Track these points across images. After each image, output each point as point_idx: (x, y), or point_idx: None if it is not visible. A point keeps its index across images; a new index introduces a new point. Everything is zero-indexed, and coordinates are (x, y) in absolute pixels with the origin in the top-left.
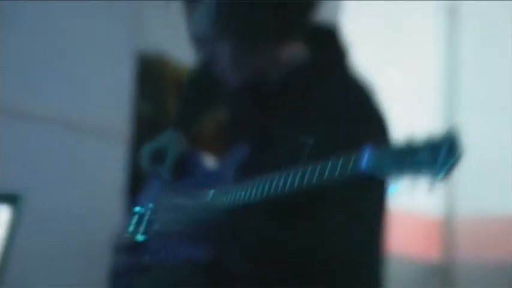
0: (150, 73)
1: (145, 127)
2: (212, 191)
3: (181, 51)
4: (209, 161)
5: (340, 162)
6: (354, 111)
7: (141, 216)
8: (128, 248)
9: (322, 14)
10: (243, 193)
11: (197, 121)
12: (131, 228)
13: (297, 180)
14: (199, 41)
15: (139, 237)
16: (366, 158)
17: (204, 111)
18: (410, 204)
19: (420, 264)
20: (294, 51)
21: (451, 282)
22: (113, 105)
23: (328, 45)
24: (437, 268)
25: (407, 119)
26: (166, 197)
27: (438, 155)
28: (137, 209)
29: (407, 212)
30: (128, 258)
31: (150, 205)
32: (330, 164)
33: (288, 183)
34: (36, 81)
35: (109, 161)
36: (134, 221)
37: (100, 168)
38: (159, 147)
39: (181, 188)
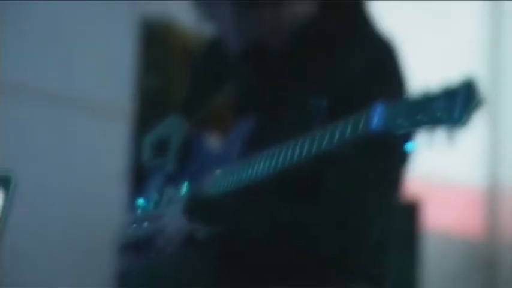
0: (155, 42)
1: (150, 103)
2: (217, 173)
3: (190, 16)
4: (215, 142)
5: (350, 122)
6: (369, 72)
7: (143, 209)
8: (132, 246)
9: None
10: (248, 171)
11: (205, 106)
12: (134, 224)
13: (305, 148)
14: (201, 2)
15: (143, 233)
16: (376, 115)
17: (213, 95)
18: (451, 176)
19: (461, 240)
20: (299, 10)
21: (494, 258)
22: (114, 79)
23: (338, 1)
24: (479, 244)
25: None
26: (171, 188)
27: (455, 102)
28: (140, 201)
29: (447, 184)
30: (133, 257)
31: (154, 197)
32: (339, 126)
33: (296, 153)
34: (27, 52)
35: (109, 143)
36: (138, 215)
37: (99, 150)
38: (161, 137)
39: (185, 176)
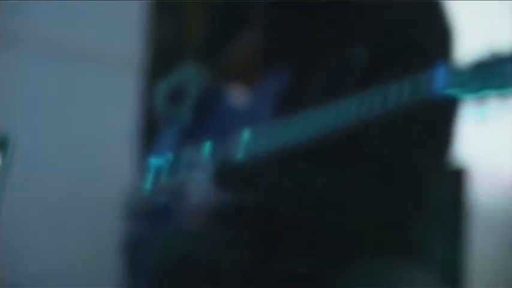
0: None
1: (162, 55)
2: (246, 132)
3: None
4: (240, 96)
5: (407, 83)
6: (415, 17)
7: (158, 170)
8: (144, 212)
9: None
10: (283, 133)
11: (226, 51)
12: (147, 185)
13: (352, 110)
14: None
15: (157, 197)
16: (440, 77)
17: (235, 38)
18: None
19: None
20: None
21: None
22: (123, 27)
23: None
24: None
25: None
26: (190, 149)
27: None
28: (153, 160)
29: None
30: (145, 224)
31: (170, 158)
32: (394, 87)
33: (342, 115)
34: (30, 0)
35: (118, 98)
36: (150, 175)
37: (107, 106)
38: (177, 84)
39: (206, 134)
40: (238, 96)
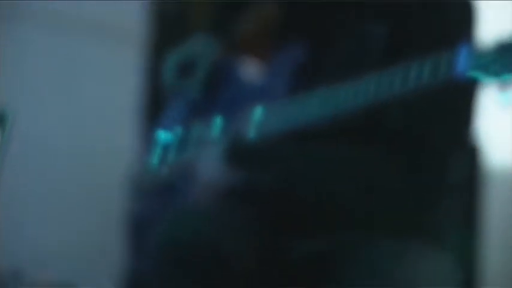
0: None
1: (166, 26)
2: (258, 109)
3: None
4: (254, 70)
5: (429, 63)
6: None
7: (166, 145)
8: (151, 189)
9: None
10: (299, 110)
11: (237, 22)
12: (154, 161)
13: (371, 89)
14: None
15: (168, 177)
16: (462, 58)
17: (247, 9)
18: None
19: None
20: None
21: None
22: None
23: None
24: None
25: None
26: (199, 124)
27: None
28: (161, 134)
29: None
30: (153, 202)
31: (177, 130)
32: (415, 67)
33: (360, 93)
34: None
35: (121, 71)
36: (158, 150)
37: (109, 80)
38: (187, 56)
39: (216, 109)
40: (251, 70)
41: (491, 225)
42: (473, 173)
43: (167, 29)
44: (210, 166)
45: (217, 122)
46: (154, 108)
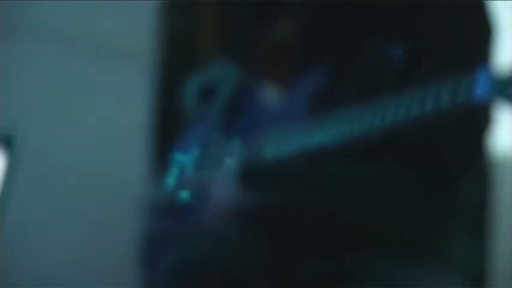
0: None
1: (175, 44)
2: (275, 131)
3: None
4: (274, 95)
5: (449, 87)
6: (457, 16)
7: (183, 165)
8: (166, 208)
9: None
10: (316, 133)
11: (253, 44)
12: (170, 181)
13: (389, 113)
14: None
15: (182, 193)
16: (481, 82)
17: (261, 30)
18: None
19: None
20: None
21: None
22: (135, 19)
23: None
24: None
25: None
26: (217, 146)
27: None
28: (178, 156)
29: None
30: (168, 221)
31: (196, 154)
32: (434, 91)
33: (378, 117)
34: None
35: (130, 92)
36: (174, 172)
37: (119, 100)
38: (209, 81)
39: (235, 133)
40: (271, 95)
41: (502, 248)
42: (485, 194)
43: (176, 45)
44: (224, 186)
45: (235, 144)
46: (164, 129)
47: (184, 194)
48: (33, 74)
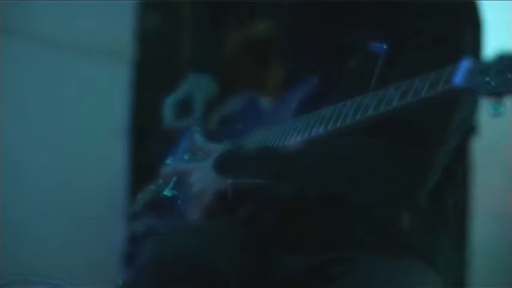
0: None
1: (151, 44)
2: (261, 130)
3: None
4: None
5: (430, 78)
6: (436, 10)
7: (169, 166)
8: (149, 205)
9: None
10: (302, 128)
11: (222, 47)
12: (160, 182)
13: (372, 105)
14: None
15: (168, 192)
16: (461, 71)
17: (238, 29)
18: None
19: None
20: None
21: None
22: (112, 16)
23: None
24: None
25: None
26: (204, 147)
27: None
28: (169, 161)
29: None
30: (150, 218)
31: (186, 156)
32: (416, 82)
33: (360, 111)
34: None
35: (108, 90)
36: (165, 174)
37: (97, 100)
38: (182, 97)
39: (225, 134)
40: (259, 103)
41: (481, 244)
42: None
43: (152, 45)
44: (204, 176)
45: (225, 144)
46: (140, 128)
47: (168, 191)
48: (14, 73)
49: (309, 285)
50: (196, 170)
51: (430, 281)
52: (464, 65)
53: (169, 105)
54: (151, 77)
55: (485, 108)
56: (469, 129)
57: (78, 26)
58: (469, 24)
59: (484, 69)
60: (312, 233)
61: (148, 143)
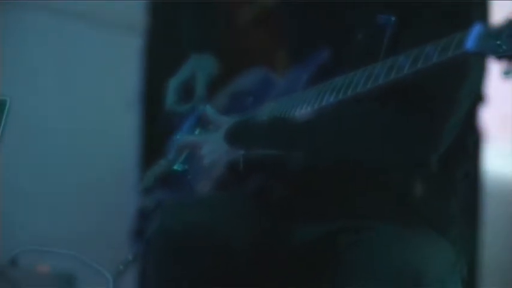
0: None
1: (163, 16)
2: (272, 102)
3: None
4: (271, 77)
5: (441, 43)
6: None
7: (180, 142)
8: (162, 181)
9: None
10: (313, 98)
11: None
12: (171, 156)
13: (382, 72)
14: None
15: (178, 167)
16: (473, 35)
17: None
18: None
19: None
20: None
21: None
22: None
23: None
24: None
25: None
26: (215, 119)
27: None
28: (178, 136)
29: None
30: (161, 191)
31: (196, 132)
32: (426, 48)
33: (371, 78)
34: None
35: (120, 60)
36: (175, 148)
37: (108, 68)
38: (185, 79)
39: (235, 109)
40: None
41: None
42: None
43: (164, 17)
44: (215, 147)
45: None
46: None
47: (179, 165)
48: (25, 43)
49: (319, 254)
50: (207, 142)
51: (442, 251)
52: (476, 30)
53: (172, 88)
54: (163, 48)
55: (496, 71)
56: (478, 97)
57: None
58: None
59: (495, 33)
60: (322, 202)
61: (159, 115)
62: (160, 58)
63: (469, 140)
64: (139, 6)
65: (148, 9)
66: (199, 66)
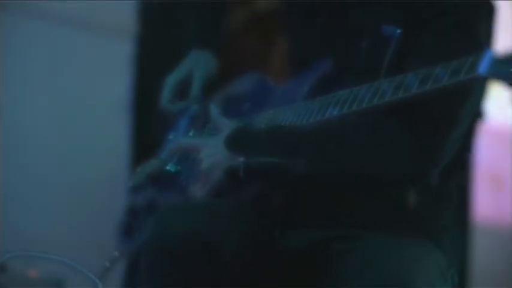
0: None
1: (153, 21)
2: (272, 110)
3: None
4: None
5: (452, 66)
6: None
7: (173, 142)
8: (153, 180)
9: None
10: (316, 110)
11: (223, 35)
12: (164, 155)
13: (390, 90)
14: None
15: (171, 167)
16: (485, 60)
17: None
18: None
19: None
20: None
21: None
22: None
23: None
24: None
25: None
26: (218, 120)
27: None
28: (171, 136)
29: None
30: (153, 191)
31: (190, 133)
32: (436, 69)
33: (378, 94)
34: None
35: (110, 66)
36: (167, 148)
37: (99, 72)
38: (182, 76)
39: (231, 113)
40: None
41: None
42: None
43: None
44: (214, 152)
45: (234, 122)
46: (146, 99)
47: (172, 166)
48: (17, 48)
49: (312, 261)
50: (205, 146)
51: (434, 259)
52: (488, 54)
53: (169, 85)
54: (154, 52)
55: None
56: (477, 115)
57: (80, 0)
58: (486, 9)
59: (507, 59)
60: (318, 210)
61: (150, 119)
62: (150, 62)
63: (466, 154)
64: (131, 11)
65: (139, 14)
66: (197, 64)
